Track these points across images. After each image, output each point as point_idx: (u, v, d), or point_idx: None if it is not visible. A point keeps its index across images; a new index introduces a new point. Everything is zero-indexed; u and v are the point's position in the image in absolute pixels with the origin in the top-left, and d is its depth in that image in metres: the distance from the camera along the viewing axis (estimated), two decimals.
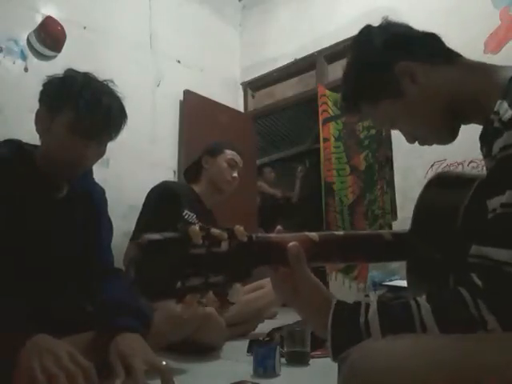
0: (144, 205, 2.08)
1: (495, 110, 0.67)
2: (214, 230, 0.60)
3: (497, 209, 0.62)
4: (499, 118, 0.65)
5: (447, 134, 0.85)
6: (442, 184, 0.89)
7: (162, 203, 2.00)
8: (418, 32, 0.86)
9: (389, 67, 0.82)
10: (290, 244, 0.69)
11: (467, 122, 0.84)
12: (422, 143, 0.88)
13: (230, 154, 2.28)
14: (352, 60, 0.90)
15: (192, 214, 2.05)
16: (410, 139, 0.89)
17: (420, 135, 0.87)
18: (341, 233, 0.81)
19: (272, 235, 0.71)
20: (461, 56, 0.84)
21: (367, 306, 0.66)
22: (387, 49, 0.84)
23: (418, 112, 0.83)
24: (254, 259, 0.65)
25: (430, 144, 0.87)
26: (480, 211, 0.66)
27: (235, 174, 2.28)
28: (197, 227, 0.59)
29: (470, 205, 0.74)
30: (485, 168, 0.75)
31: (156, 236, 0.56)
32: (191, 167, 2.36)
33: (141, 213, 2.07)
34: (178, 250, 0.57)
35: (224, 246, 0.61)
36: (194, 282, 0.58)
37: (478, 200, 0.72)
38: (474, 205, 0.73)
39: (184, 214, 2.02)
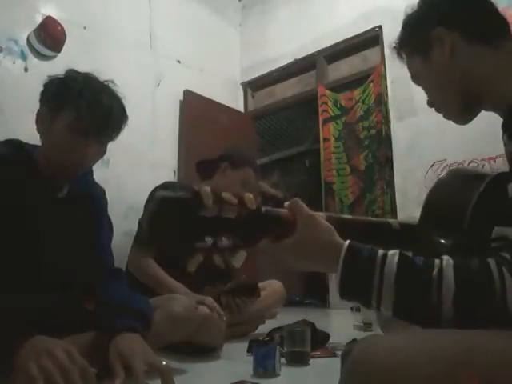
0: (146, 206, 2.06)
1: None
2: (225, 194, 0.61)
3: None
4: None
5: (461, 113, 0.85)
6: (454, 178, 0.90)
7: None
8: (476, 3, 0.84)
9: (428, 28, 0.82)
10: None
11: (489, 108, 0.82)
12: (437, 110, 0.89)
13: (249, 173, 2.19)
14: (416, 8, 0.89)
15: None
16: (430, 103, 0.90)
17: (436, 102, 0.88)
18: (349, 216, 0.81)
19: (280, 210, 0.71)
20: (506, 38, 0.81)
21: (386, 251, 0.64)
22: (437, 10, 0.84)
23: (436, 82, 0.84)
24: (261, 228, 0.66)
25: (445, 117, 0.88)
26: (496, 198, 0.65)
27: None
28: (208, 189, 0.60)
29: (484, 193, 0.74)
30: (485, 168, 0.75)
31: (169, 194, 0.59)
32: (207, 163, 2.27)
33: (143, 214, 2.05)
34: (189, 209, 0.58)
35: (233, 211, 0.62)
36: (202, 242, 0.60)
37: (493, 189, 0.72)
38: (489, 193, 0.73)
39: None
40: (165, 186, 2.09)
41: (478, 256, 0.60)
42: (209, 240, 0.60)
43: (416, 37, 0.86)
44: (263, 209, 0.67)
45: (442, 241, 0.75)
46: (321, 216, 0.73)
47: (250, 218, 0.64)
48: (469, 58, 0.80)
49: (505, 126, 0.72)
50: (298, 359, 1.51)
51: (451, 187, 0.87)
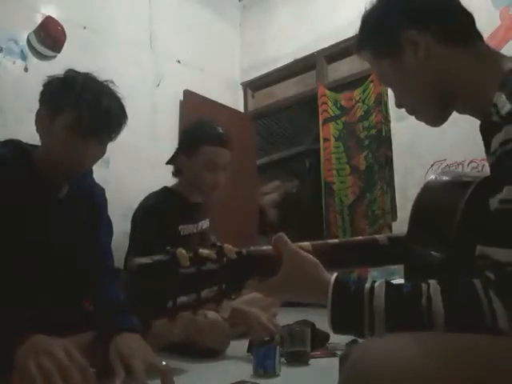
0: (133, 230, 1.88)
1: (494, 101, 0.65)
2: (202, 251, 0.61)
3: (496, 206, 0.60)
4: (497, 111, 0.63)
5: (434, 115, 0.83)
6: (440, 185, 0.87)
7: (151, 230, 1.72)
8: (446, 4, 0.81)
9: (398, 30, 0.79)
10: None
11: (462, 110, 0.81)
12: (408, 112, 0.86)
13: (210, 152, 1.80)
14: (373, 5, 0.85)
15: (185, 227, 1.88)
16: (398, 104, 0.87)
17: (408, 105, 0.85)
18: (335, 241, 0.81)
19: (263, 248, 0.71)
20: (479, 39, 0.80)
21: (373, 281, 0.65)
22: (405, 11, 0.80)
23: (410, 83, 0.81)
24: (244, 274, 0.66)
25: (417, 119, 0.85)
26: (479, 211, 0.65)
27: (218, 177, 1.83)
28: (183, 250, 0.60)
29: (468, 205, 0.73)
30: (485, 168, 0.75)
31: (145, 260, 0.58)
32: (171, 160, 2.00)
33: (131, 237, 1.88)
34: (167, 272, 0.58)
35: (214, 263, 0.62)
36: (186, 300, 0.59)
37: (476, 200, 0.71)
38: (473, 205, 0.72)
39: (180, 230, 1.85)
40: (147, 209, 1.85)
41: (466, 269, 0.61)
42: (193, 296, 0.60)
43: (383, 38, 0.82)
44: (244, 251, 0.67)
45: (432, 252, 0.75)
46: (306, 246, 0.73)
47: (232, 266, 0.64)
48: (442, 60, 0.77)
49: (482, 131, 0.72)
50: (298, 359, 1.51)
51: (437, 196, 0.85)
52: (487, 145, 0.67)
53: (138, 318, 0.58)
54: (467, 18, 0.81)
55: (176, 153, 1.96)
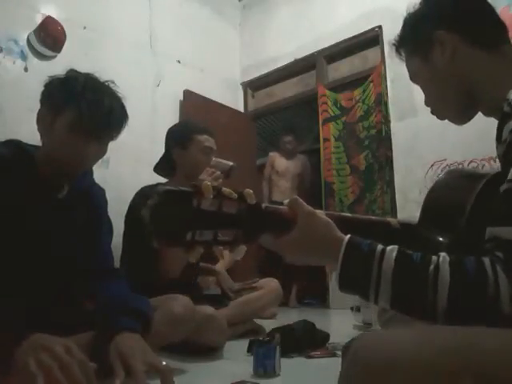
0: (127, 224, 1.92)
1: (507, 97, 0.67)
2: (225, 189, 0.63)
3: (504, 187, 0.61)
4: (509, 103, 0.65)
5: (458, 114, 0.86)
6: (453, 179, 0.90)
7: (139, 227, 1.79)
8: (478, 7, 0.84)
9: (430, 29, 0.82)
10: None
11: (487, 113, 0.83)
12: (433, 112, 0.89)
13: (202, 139, 1.99)
14: (418, 7, 0.88)
15: None
16: (426, 102, 0.90)
17: (433, 104, 0.89)
18: (349, 215, 0.81)
19: (280, 206, 0.72)
20: (507, 43, 0.82)
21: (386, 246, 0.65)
22: (438, 12, 0.84)
23: (435, 83, 0.85)
24: (261, 223, 0.67)
25: (441, 118, 0.88)
26: (489, 203, 0.65)
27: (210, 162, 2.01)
28: (209, 183, 0.61)
29: (479, 197, 0.74)
30: (484, 168, 0.76)
31: (172, 187, 0.60)
32: (162, 162, 2.09)
33: (126, 232, 1.92)
34: (190, 202, 0.59)
35: (233, 206, 0.63)
36: (203, 236, 0.61)
37: (487, 192, 0.72)
38: (483, 197, 0.73)
39: None
40: (139, 203, 1.87)
41: (475, 254, 0.61)
42: (210, 234, 0.62)
43: (416, 36, 0.86)
44: (263, 205, 0.68)
45: (441, 239, 0.76)
46: (320, 213, 0.74)
47: (250, 213, 0.65)
48: (468, 62, 0.80)
49: (498, 130, 0.73)
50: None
51: (450, 188, 0.88)
52: (498, 135, 0.68)
53: (156, 241, 0.59)
54: (496, 22, 0.83)
55: (167, 151, 2.06)
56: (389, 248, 0.64)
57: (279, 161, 4.32)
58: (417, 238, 0.82)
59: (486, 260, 0.59)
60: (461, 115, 0.86)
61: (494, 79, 0.78)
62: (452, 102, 0.84)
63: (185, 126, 2.12)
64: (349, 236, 0.68)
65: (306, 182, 4.31)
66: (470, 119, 0.86)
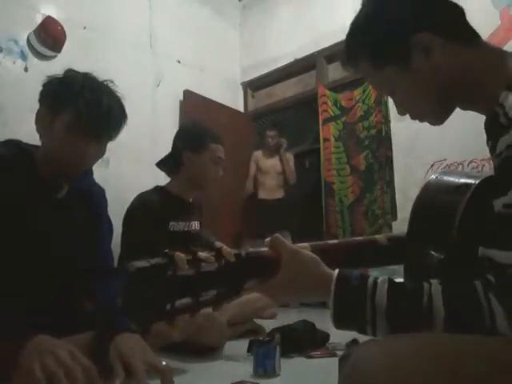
0: (124, 227, 1.90)
1: (500, 101, 0.64)
2: (201, 254, 0.61)
3: (500, 210, 0.60)
4: (505, 113, 0.62)
5: (441, 115, 0.81)
6: (441, 185, 0.86)
7: (142, 226, 1.80)
8: (446, 3, 0.78)
9: (407, 35, 0.74)
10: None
11: (466, 107, 0.79)
12: (413, 118, 0.83)
13: (215, 149, 1.97)
14: (369, 8, 0.80)
15: (176, 224, 1.91)
16: (402, 111, 0.83)
17: (414, 110, 0.82)
18: (334, 241, 0.81)
19: (262, 249, 0.71)
20: (480, 37, 0.77)
21: (376, 277, 0.65)
22: (412, 12, 0.75)
23: (421, 88, 0.77)
24: (244, 273, 0.66)
25: (421, 121, 0.82)
26: (480, 212, 0.65)
27: (221, 173, 2.02)
28: (181, 254, 0.59)
29: (469, 206, 0.73)
30: (484, 168, 0.75)
31: (143, 263, 0.57)
32: (168, 160, 2.04)
33: (123, 236, 1.89)
34: (165, 275, 0.57)
35: (212, 266, 0.61)
36: (184, 302, 0.59)
37: (477, 200, 0.71)
38: (473, 205, 0.72)
39: (170, 226, 1.87)
40: (138, 206, 1.89)
41: (466, 270, 0.62)
42: (191, 298, 0.59)
43: (390, 45, 0.76)
44: (243, 253, 0.66)
45: (432, 252, 0.75)
46: (305, 247, 0.73)
47: (231, 269, 0.63)
48: (454, 59, 0.74)
49: (487, 130, 0.70)
50: None
51: (439, 194, 0.83)
52: (493, 146, 0.66)
53: (135, 322, 0.57)
54: (464, 15, 0.78)
55: (176, 151, 2.01)
56: (379, 280, 0.64)
57: (262, 159, 4.22)
58: (406, 254, 0.81)
59: (479, 285, 0.58)
60: (444, 115, 0.81)
61: (476, 74, 0.74)
62: (436, 104, 0.78)
63: (200, 129, 2.06)
64: (337, 272, 0.66)
65: (291, 178, 4.12)
66: (448, 117, 0.81)
